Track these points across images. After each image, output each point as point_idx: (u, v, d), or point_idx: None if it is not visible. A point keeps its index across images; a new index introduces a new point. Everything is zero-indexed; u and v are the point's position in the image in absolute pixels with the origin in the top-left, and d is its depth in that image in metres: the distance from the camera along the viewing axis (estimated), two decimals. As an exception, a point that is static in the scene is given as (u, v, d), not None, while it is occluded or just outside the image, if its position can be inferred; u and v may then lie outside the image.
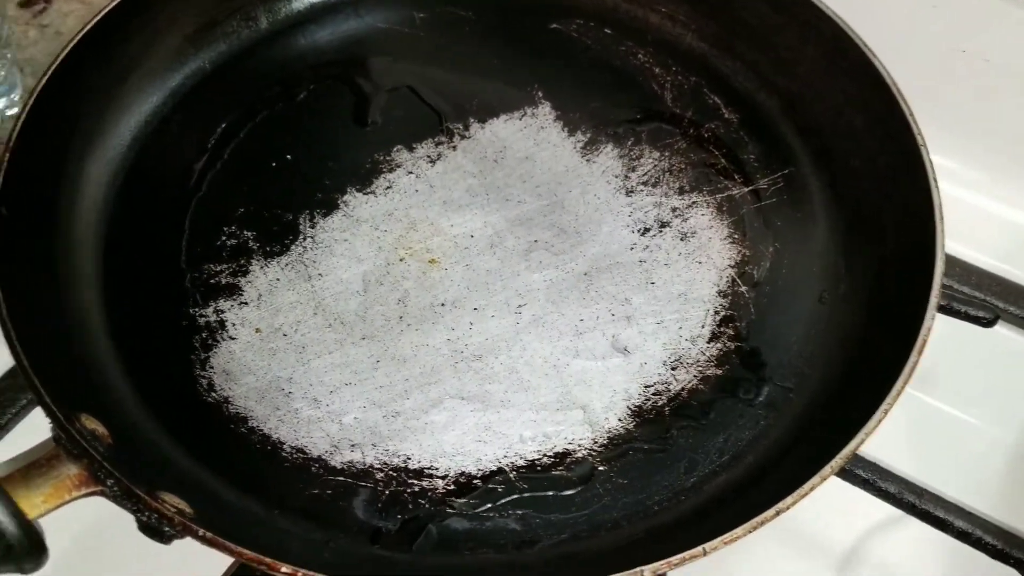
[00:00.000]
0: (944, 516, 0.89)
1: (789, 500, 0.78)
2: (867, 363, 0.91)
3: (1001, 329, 1.00)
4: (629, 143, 1.11)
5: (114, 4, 1.07)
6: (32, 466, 0.79)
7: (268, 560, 0.75)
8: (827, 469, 0.79)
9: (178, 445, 0.90)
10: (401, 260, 1.04)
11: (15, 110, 1.18)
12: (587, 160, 1.11)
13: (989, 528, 0.89)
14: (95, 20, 1.06)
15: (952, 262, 0.98)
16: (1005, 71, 1.22)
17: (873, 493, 0.89)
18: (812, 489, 0.79)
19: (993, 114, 1.25)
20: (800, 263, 1.03)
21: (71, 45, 1.04)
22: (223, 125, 1.11)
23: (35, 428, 0.88)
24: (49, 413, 0.81)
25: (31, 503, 0.77)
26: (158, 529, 0.79)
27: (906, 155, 0.99)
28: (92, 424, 0.84)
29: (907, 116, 1.01)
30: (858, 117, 1.07)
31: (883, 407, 0.82)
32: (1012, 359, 1.11)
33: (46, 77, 1.01)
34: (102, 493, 0.79)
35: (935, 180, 0.97)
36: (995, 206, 1.27)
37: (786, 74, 1.14)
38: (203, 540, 0.76)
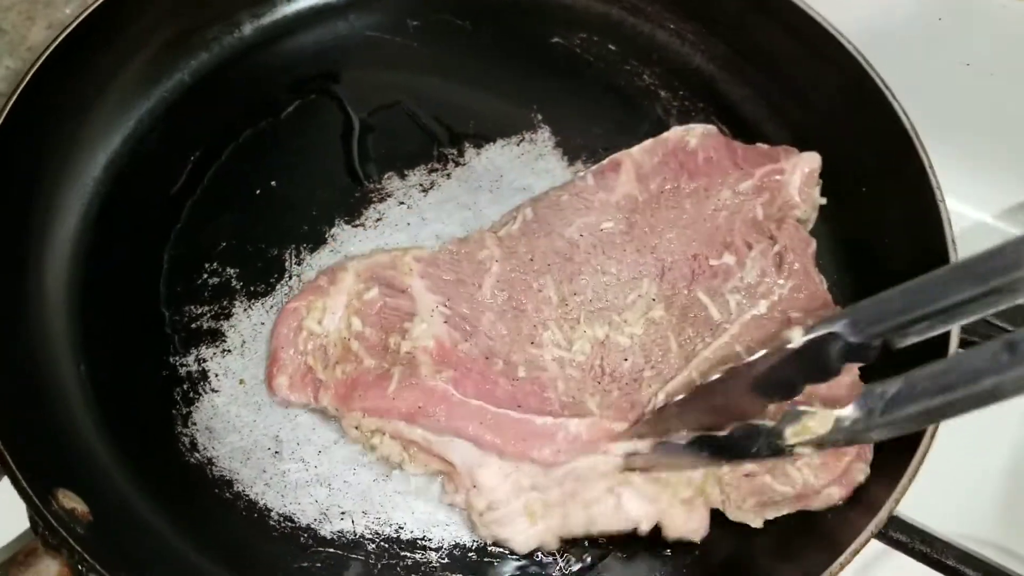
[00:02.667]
0: (954, 565, 0.85)
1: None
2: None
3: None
4: (632, 175, 1.06)
5: (87, 13, 0.98)
6: (10, 564, 0.75)
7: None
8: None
9: (162, 515, 0.85)
10: (392, 301, 0.98)
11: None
12: (587, 192, 1.05)
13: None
14: (67, 32, 0.96)
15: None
16: (1010, 85, 1.18)
17: (885, 542, 0.85)
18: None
19: (997, 127, 1.21)
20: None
21: (39, 62, 0.95)
22: (204, 146, 1.04)
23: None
24: (24, 496, 0.77)
25: (8, 610, 0.73)
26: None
27: (923, 207, 0.95)
28: (70, 502, 0.79)
29: (926, 167, 0.96)
30: (872, 159, 1.02)
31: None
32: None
33: (11, 102, 0.93)
34: (85, 590, 0.76)
35: (953, 241, 0.92)
36: (1001, 224, 1.24)
37: (800, 106, 1.08)
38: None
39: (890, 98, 0.99)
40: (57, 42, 0.96)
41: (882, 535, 0.84)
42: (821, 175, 1.01)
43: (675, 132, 1.00)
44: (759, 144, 1.01)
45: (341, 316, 0.89)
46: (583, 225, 0.95)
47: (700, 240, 0.95)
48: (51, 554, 0.75)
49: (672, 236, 0.95)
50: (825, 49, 1.03)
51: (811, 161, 0.99)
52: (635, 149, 0.99)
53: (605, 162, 0.99)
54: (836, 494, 0.85)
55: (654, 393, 0.86)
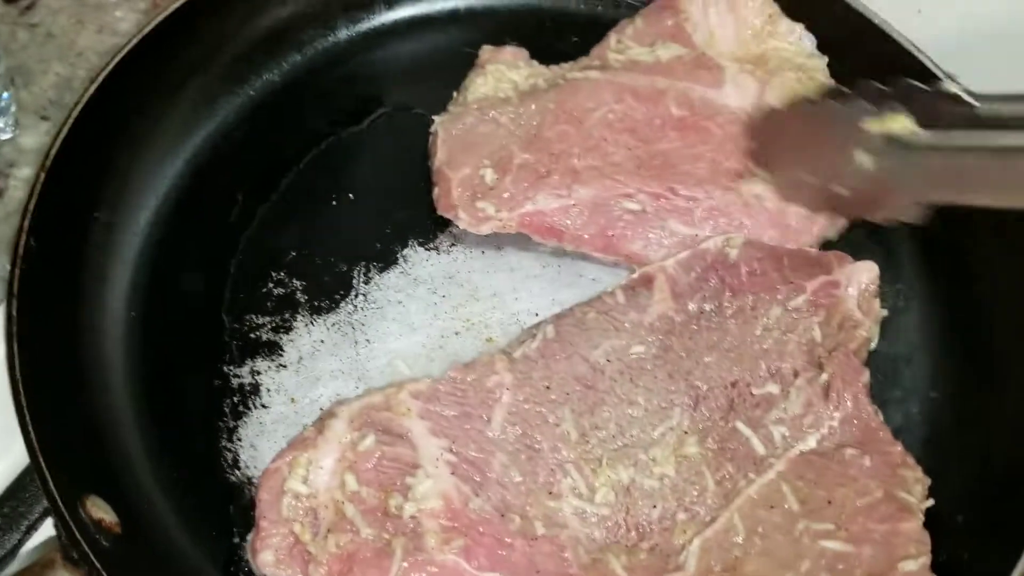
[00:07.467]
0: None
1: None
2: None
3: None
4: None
5: (175, 6, 0.93)
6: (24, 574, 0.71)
7: None
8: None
9: (192, 534, 0.79)
10: (456, 334, 0.91)
11: (8, 135, 1.01)
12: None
13: None
14: (156, 22, 0.91)
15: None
16: None
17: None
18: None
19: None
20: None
21: (126, 48, 0.90)
22: (285, 150, 0.98)
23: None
24: (50, 501, 0.72)
25: (12, 624, 0.68)
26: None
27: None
28: (99, 512, 0.73)
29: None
30: (991, 235, 0.91)
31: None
32: None
33: (95, 85, 0.87)
34: (97, 612, 0.70)
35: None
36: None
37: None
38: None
39: None
40: (142, 35, 0.91)
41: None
42: (939, 247, 0.93)
43: (713, 243, 0.88)
44: (807, 248, 0.90)
45: (333, 472, 0.77)
46: (610, 349, 0.83)
47: (743, 366, 0.83)
48: (68, 567, 0.70)
49: (711, 361, 0.84)
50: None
51: (869, 271, 0.87)
52: (669, 262, 0.87)
53: (636, 276, 0.87)
54: None
55: (689, 539, 0.75)
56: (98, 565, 0.69)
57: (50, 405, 0.76)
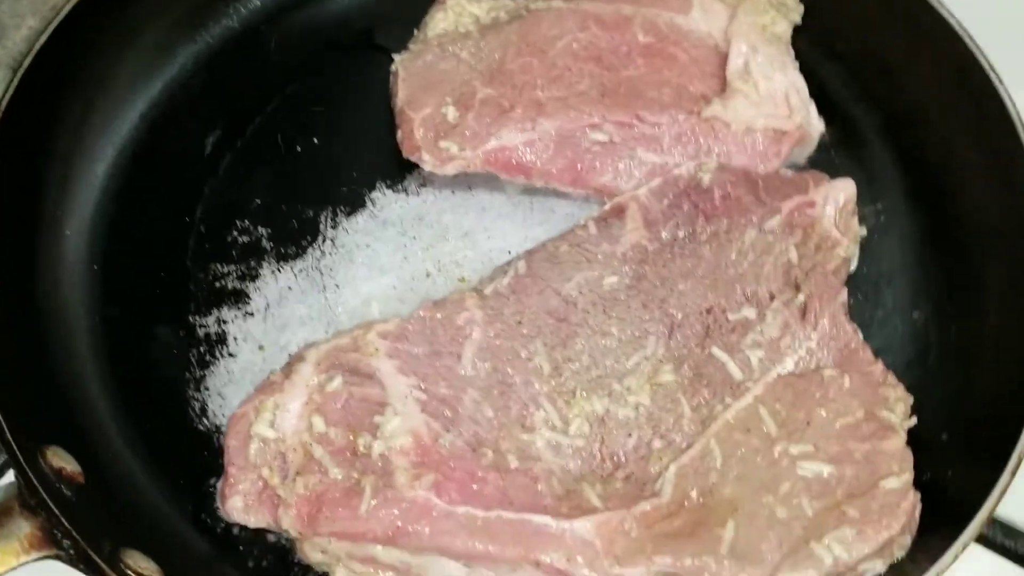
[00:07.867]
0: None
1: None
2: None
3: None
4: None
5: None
6: (-21, 521, 0.69)
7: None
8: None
9: (157, 484, 0.78)
10: (428, 276, 0.89)
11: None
12: (649, 171, 0.94)
13: None
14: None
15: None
16: None
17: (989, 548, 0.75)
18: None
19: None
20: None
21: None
22: (247, 97, 0.96)
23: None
24: (7, 450, 0.70)
25: (-33, 567, 0.65)
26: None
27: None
28: (60, 461, 0.72)
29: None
30: (972, 151, 0.89)
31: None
32: None
33: (46, 35, 0.85)
34: (57, 557, 0.67)
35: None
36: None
37: (893, 87, 0.95)
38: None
39: (996, 84, 0.85)
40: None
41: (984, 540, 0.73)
42: (911, 166, 0.89)
43: (686, 169, 0.85)
44: (783, 171, 0.87)
45: (301, 415, 0.74)
46: (583, 281, 0.81)
47: (719, 291, 0.81)
48: (25, 515, 0.68)
49: (685, 288, 0.81)
50: (924, 23, 0.89)
51: (846, 188, 0.84)
52: (641, 191, 0.84)
53: (607, 207, 0.84)
54: (876, 567, 0.72)
55: (665, 467, 0.73)
56: (57, 511, 0.67)
57: (8, 359, 0.74)
